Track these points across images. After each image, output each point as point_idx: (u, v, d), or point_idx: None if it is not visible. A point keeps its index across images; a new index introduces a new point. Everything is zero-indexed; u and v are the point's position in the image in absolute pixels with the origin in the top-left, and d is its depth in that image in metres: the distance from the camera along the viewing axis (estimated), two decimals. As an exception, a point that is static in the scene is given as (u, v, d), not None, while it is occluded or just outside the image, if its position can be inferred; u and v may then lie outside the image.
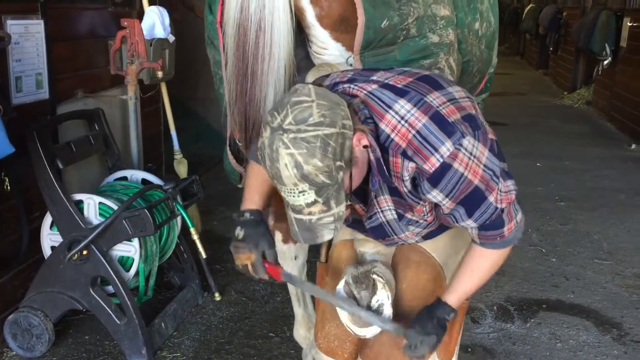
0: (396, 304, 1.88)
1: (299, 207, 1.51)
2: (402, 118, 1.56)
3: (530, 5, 14.29)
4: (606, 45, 8.26)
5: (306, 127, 1.44)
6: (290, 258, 2.68)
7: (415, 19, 1.94)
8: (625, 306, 3.49)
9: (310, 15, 1.99)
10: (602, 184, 5.75)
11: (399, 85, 1.62)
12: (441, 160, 1.54)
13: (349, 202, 1.60)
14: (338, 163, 1.47)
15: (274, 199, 2.56)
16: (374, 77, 1.67)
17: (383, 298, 1.81)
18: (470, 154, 1.55)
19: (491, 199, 1.60)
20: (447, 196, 1.59)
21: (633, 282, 3.78)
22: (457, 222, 1.67)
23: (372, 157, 1.60)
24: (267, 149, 1.48)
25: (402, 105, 1.57)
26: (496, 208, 1.62)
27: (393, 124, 1.57)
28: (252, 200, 1.93)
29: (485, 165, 1.58)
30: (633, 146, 7.12)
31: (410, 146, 1.55)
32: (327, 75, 1.80)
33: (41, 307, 2.83)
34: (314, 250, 2.56)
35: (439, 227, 1.85)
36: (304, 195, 1.48)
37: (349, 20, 1.96)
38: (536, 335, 3.18)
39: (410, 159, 1.57)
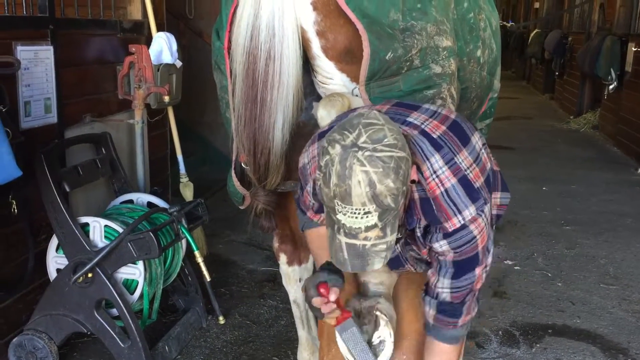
0: (397, 323, 1.88)
1: (357, 230, 1.45)
2: (435, 172, 1.60)
3: (536, 30, 14.36)
4: (611, 70, 8.29)
5: (382, 147, 1.42)
6: (295, 280, 2.69)
7: (419, 50, 1.97)
8: (632, 331, 3.45)
9: (316, 46, 2.03)
10: (609, 208, 5.73)
11: (434, 136, 1.65)
12: (462, 222, 1.60)
13: (399, 235, 1.61)
14: (404, 188, 1.46)
15: (279, 220, 2.58)
16: (411, 120, 1.70)
17: (385, 335, 1.83)
18: (487, 219, 1.64)
19: (477, 272, 1.69)
20: (452, 250, 1.65)
21: (640, 307, 3.76)
22: (438, 276, 1.72)
23: (416, 195, 1.63)
24: (338, 165, 1.42)
25: (437, 160, 1.61)
26: (472, 286, 1.70)
27: (427, 175, 1.61)
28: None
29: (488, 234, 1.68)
30: (639, 170, 7.11)
31: (435, 202, 1.60)
32: (353, 110, 1.82)
33: (46, 329, 2.84)
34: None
35: None
36: (367, 217, 1.43)
37: (354, 52, 1.99)
38: (542, 361, 3.16)
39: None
